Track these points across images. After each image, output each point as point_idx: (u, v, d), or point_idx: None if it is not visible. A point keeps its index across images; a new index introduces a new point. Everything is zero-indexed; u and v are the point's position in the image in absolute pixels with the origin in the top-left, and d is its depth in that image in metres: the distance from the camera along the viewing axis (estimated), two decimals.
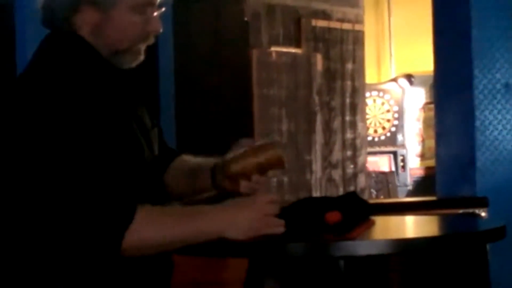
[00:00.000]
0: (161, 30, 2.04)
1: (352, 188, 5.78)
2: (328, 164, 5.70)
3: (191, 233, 1.90)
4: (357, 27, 5.95)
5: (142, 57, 2.05)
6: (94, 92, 1.92)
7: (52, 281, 1.90)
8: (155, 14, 2.03)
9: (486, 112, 3.72)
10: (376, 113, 7.75)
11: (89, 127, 1.85)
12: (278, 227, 1.96)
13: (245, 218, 1.92)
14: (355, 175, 5.88)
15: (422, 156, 7.93)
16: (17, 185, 1.85)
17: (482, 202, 3.67)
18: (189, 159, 2.28)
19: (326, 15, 5.75)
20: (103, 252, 1.82)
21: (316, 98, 5.63)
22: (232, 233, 1.91)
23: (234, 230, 1.91)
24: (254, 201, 1.96)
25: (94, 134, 1.85)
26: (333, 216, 2.12)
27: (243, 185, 2.06)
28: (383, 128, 7.78)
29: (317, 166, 5.59)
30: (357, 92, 5.93)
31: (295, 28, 5.56)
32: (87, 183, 1.80)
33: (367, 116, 6.76)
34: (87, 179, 1.80)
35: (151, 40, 2.05)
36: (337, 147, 5.77)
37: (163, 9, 2.07)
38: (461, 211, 3.66)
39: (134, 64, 2.05)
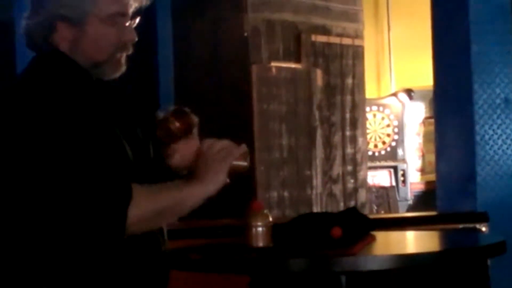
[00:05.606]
0: (136, 39, 2.14)
1: (352, 203, 5.77)
2: (328, 179, 5.69)
3: (182, 198, 2.05)
4: (357, 42, 5.95)
5: (123, 67, 2.16)
6: (75, 101, 2.02)
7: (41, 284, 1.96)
8: (128, 24, 2.13)
9: (486, 127, 3.72)
10: (376, 127, 7.75)
11: (77, 129, 1.96)
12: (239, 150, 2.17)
13: (215, 170, 2.10)
14: (355, 190, 5.87)
15: (423, 170, 7.93)
16: (21, 186, 1.94)
17: (483, 217, 3.67)
18: None
19: (326, 30, 5.75)
20: (110, 233, 1.92)
21: (316, 113, 5.63)
22: (214, 186, 2.07)
23: (214, 184, 2.07)
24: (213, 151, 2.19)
25: (83, 134, 1.97)
26: (337, 231, 2.12)
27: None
28: (383, 142, 7.78)
29: (317, 181, 5.59)
30: (357, 107, 5.92)
31: (295, 43, 5.56)
32: (85, 174, 1.91)
33: (367, 131, 6.76)
34: (85, 171, 1.92)
35: (129, 50, 2.15)
36: (338, 162, 5.76)
37: (137, 19, 2.16)
38: (461, 226, 3.66)
39: (116, 75, 2.15)
